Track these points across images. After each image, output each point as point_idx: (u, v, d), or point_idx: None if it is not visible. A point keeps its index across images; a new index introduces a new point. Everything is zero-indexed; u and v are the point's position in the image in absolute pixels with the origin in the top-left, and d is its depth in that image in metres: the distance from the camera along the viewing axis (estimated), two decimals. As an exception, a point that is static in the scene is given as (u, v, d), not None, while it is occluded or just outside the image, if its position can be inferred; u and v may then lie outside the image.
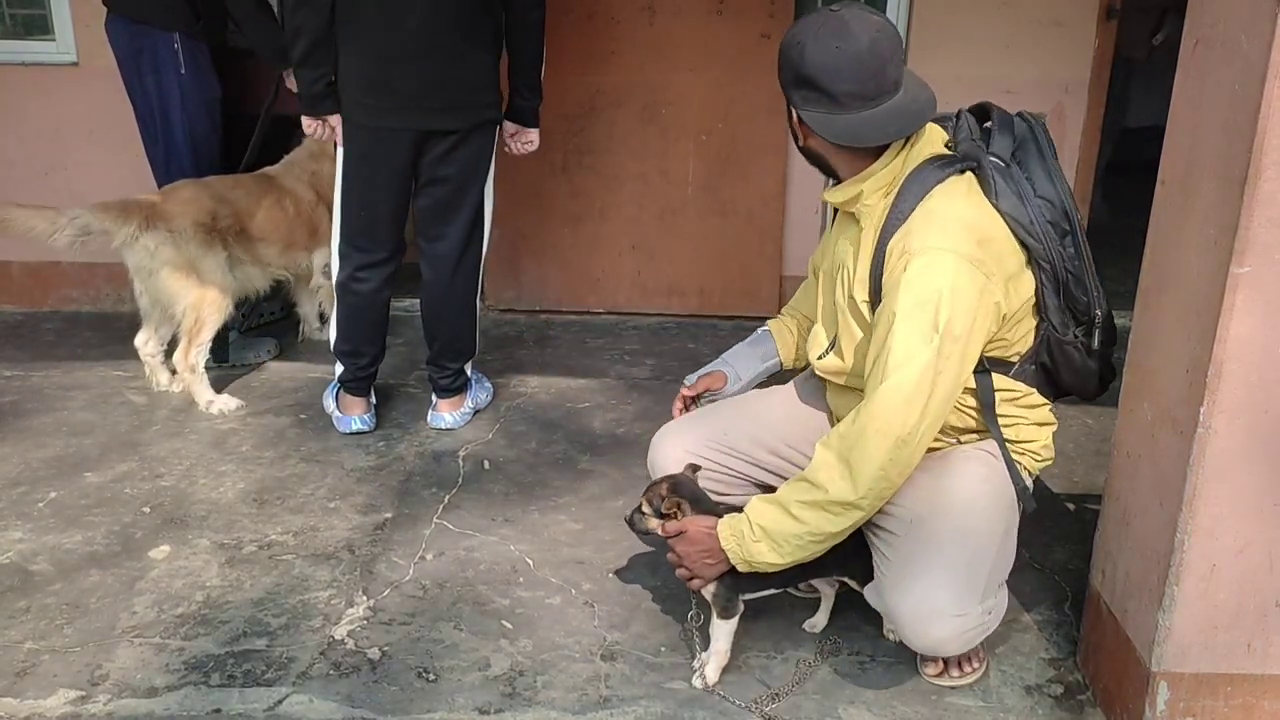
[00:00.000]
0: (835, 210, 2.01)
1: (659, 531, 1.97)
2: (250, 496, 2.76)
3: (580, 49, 3.93)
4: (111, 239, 3.15)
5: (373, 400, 3.23)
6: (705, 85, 3.98)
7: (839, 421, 2.08)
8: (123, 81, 3.49)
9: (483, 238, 3.07)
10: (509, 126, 3.05)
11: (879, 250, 1.82)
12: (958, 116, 1.90)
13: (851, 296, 1.90)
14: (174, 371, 3.38)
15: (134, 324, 3.47)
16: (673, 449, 2.14)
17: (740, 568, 1.87)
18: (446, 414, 3.18)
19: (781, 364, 2.29)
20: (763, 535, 1.81)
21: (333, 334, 3.13)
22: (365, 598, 2.30)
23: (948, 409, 1.79)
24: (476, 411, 3.27)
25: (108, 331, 3.98)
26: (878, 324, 1.79)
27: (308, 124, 2.94)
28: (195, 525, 2.61)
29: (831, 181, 1.95)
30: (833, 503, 1.77)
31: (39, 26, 4.04)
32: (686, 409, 2.25)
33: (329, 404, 3.22)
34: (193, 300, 3.22)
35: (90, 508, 2.68)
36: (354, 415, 3.15)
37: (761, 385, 2.31)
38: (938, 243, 1.73)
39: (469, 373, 3.24)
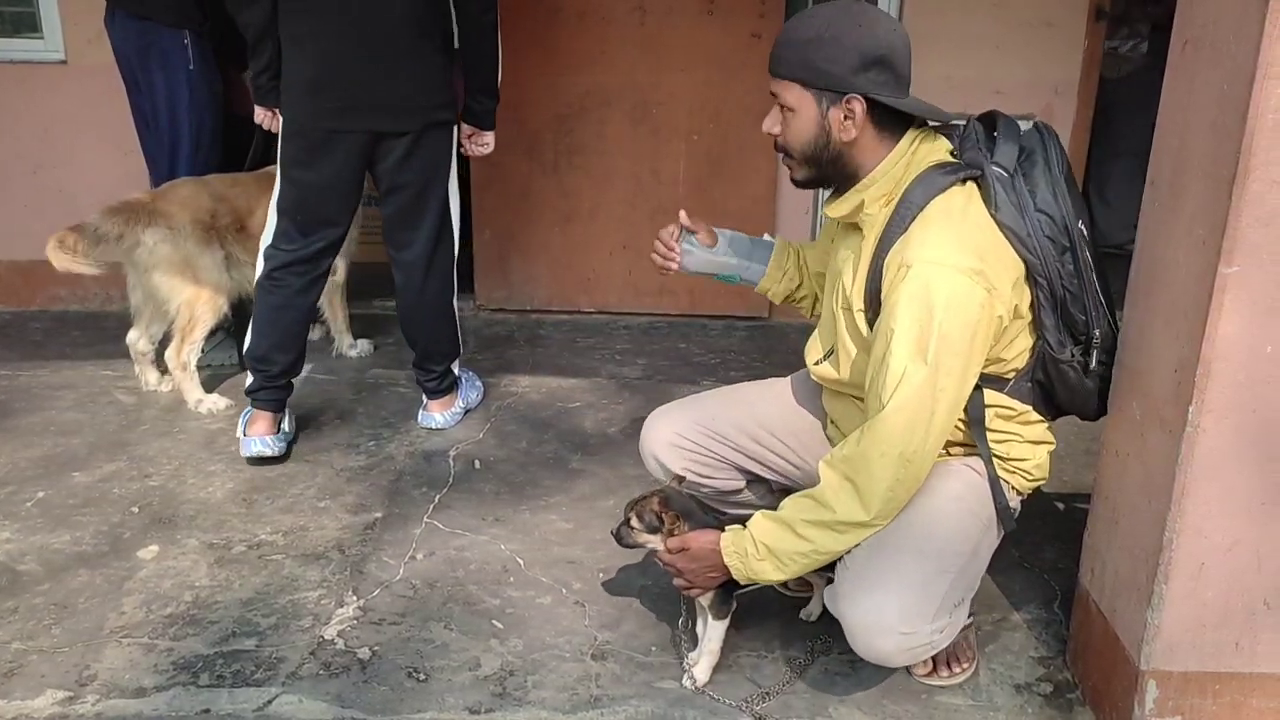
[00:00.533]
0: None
1: (650, 546, 1.96)
2: (239, 496, 2.75)
3: (571, 49, 3.92)
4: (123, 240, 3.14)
5: (284, 422, 2.98)
6: (696, 85, 3.98)
7: (833, 424, 2.09)
8: (123, 78, 3.47)
9: (452, 240, 3.03)
10: (465, 129, 3.02)
11: (877, 259, 1.79)
12: (966, 124, 1.87)
13: (848, 306, 1.88)
14: (164, 371, 3.37)
15: (122, 323, 3.46)
16: (661, 431, 2.17)
17: (741, 581, 1.87)
18: (437, 413, 3.17)
19: (755, 285, 2.23)
20: (767, 554, 1.80)
21: (247, 339, 2.96)
22: (355, 597, 2.30)
23: (951, 424, 1.78)
24: (467, 411, 3.26)
25: (96, 331, 3.96)
26: (876, 339, 1.76)
27: (259, 114, 2.98)
28: (184, 525, 2.60)
29: (829, 194, 1.92)
30: (840, 523, 1.77)
31: (27, 24, 4.02)
32: (677, 240, 2.28)
33: (240, 424, 2.97)
34: (187, 297, 3.21)
35: (78, 507, 2.67)
36: (255, 436, 2.86)
37: (758, 375, 2.32)
38: (935, 256, 1.70)
39: (457, 372, 3.22)
